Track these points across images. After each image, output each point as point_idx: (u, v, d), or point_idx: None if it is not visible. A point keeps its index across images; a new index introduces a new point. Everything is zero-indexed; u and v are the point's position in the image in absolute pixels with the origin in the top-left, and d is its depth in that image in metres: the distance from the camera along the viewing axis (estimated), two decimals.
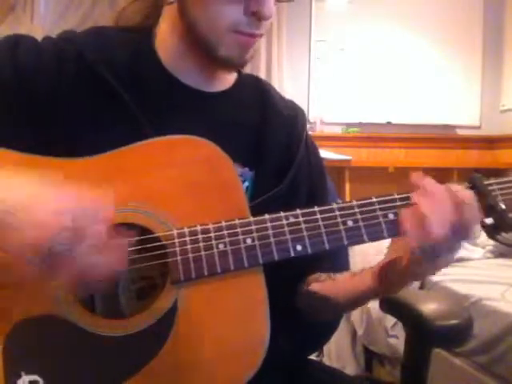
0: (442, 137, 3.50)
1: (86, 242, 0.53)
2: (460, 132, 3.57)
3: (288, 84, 3.38)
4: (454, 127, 3.55)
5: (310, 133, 0.90)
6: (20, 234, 0.51)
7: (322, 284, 0.80)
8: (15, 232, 0.51)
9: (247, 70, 0.90)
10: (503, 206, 0.65)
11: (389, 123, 3.48)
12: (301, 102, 0.92)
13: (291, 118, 0.85)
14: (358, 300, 0.76)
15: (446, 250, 0.61)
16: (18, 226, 0.51)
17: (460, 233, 0.60)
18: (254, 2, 0.69)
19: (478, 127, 3.57)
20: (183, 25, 0.74)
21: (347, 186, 3.19)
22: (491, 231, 0.66)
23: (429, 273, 0.65)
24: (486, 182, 0.67)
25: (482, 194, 0.66)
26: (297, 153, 0.82)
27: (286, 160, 0.81)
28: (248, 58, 0.75)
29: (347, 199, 0.67)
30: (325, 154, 2.81)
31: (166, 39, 0.78)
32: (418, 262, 0.62)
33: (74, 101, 0.72)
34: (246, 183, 0.78)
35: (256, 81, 0.88)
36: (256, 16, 0.70)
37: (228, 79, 0.83)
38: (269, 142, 0.81)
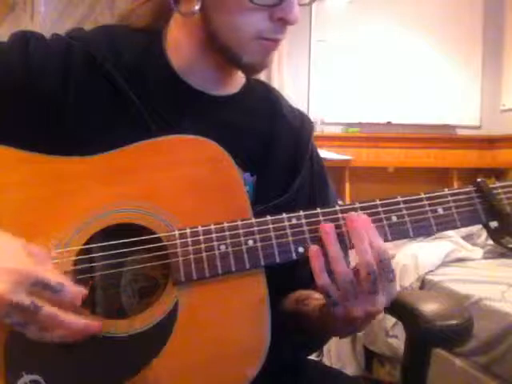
0: (442, 137, 3.50)
1: (37, 322, 0.54)
2: (460, 132, 3.56)
3: (288, 84, 3.37)
4: (454, 127, 3.55)
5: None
6: None
7: (296, 307, 0.80)
8: None
9: None
10: (508, 210, 0.65)
11: (389, 123, 3.48)
12: (301, 102, 0.93)
13: (298, 128, 0.85)
14: (331, 331, 0.75)
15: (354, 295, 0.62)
16: None
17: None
18: (279, 9, 0.69)
19: (478, 127, 3.57)
20: (204, 33, 0.73)
21: (347, 186, 3.19)
22: (495, 235, 0.66)
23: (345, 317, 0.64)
24: (492, 186, 0.67)
25: (487, 197, 0.66)
26: (302, 164, 0.82)
27: (290, 169, 0.81)
28: (270, 61, 0.75)
29: (347, 199, 0.68)
30: (325, 154, 2.81)
31: (178, 43, 0.78)
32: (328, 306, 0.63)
33: (81, 100, 0.72)
34: (247, 188, 0.78)
35: (266, 88, 0.88)
36: (282, 22, 0.70)
37: (236, 83, 0.83)
38: (275, 150, 0.81)
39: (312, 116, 3.41)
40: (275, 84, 3.09)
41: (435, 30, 3.48)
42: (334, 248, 0.62)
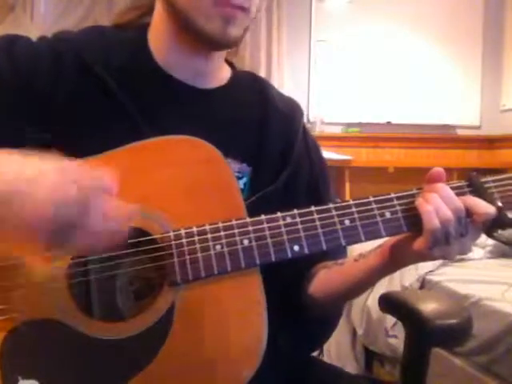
0: (442, 137, 3.50)
1: (91, 213, 0.53)
2: (460, 132, 3.57)
3: (288, 84, 3.38)
4: (454, 127, 3.55)
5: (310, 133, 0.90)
6: (23, 209, 0.51)
7: (329, 270, 0.81)
8: (18, 207, 0.51)
9: (247, 69, 0.90)
10: (499, 203, 0.66)
11: (389, 123, 3.48)
12: (301, 102, 0.92)
13: (289, 114, 0.85)
14: (364, 282, 0.77)
15: (454, 237, 0.64)
16: (21, 201, 0.51)
17: (465, 221, 0.65)
18: None
19: (478, 127, 3.57)
20: (167, 9, 0.74)
21: (347, 186, 3.19)
22: (488, 228, 0.66)
23: (440, 257, 0.67)
24: (483, 180, 0.68)
25: (478, 191, 0.67)
26: (292, 151, 0.82)
27: (283, 156, 0.82)
28: (233, 34, 0.72)
29: (347, 199, 0.68)
30: (325, 154, 2.80)
31: (157, 35, 0.78)
32: (432, 246, 0.65)
33: (72, 101, 0.72)
34: (245, 179, 0.77)
35: (253, 78, 0.88)
36: None
37: (222, 76, 0.83)
38: (267, 139, 0.81)
39: (312, 116, 3.45)
40: (275, 84, 3.08)
41: (435, 30, 3.48)
42: (446, 188, 0.65)
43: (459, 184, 0.68)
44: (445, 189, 0.65)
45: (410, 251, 0.67)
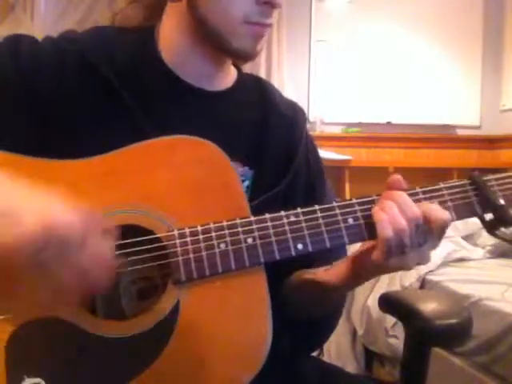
0: (442, 137, 3.50)
1: (72, 258, 0.50)
2: (460, 132, 3.56)
3: (288, 84, 3.38)
4: (454, 127, 3.55)
5: (310, 133, 0.90)
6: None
7: (300, 278, 0.80)
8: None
9: (247, 69, 0.90)
10: (502, 202, 0.66)
11: (389, 123, 3.48)
12: (301, 101, 0.92)
13: (291, 118, 0.85)
14: (332, 291, 0.75)
15: (410, 246, 0.63)
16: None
17: (422, 230, 0.63)
18: None
19: (478, 127, 3.57)
20: (192, 20, 0.74)
21: (347, 186, 3.19)
22: (491, 227, 0.67)
23: (398, 268, 0.65)
24: (485, 178, 0.68)
25: (481, 190, 0.67)
26: (296, 153, 0.83)
27: (285, 160, 0.82)
28: (259, 48, 0.75)
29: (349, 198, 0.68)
30: (325, 154, 2.81)
31: (169, 38, 0.78)
32: (386, 256, 0.63)
33: (76, 100, 0.72)
34: (247, 182, 0.78)
35: (257, 80, 0.88)
36: (268, 4, 0.71)
37: (229, 78, 0.83)
38: (269, 142, 0.81)
39: (312, 116, 3.44)
40: (275, 84, 3.08)
41: (435, 30, 3.48)
42: (403, 196, 0.64)
43: (462, 183, 0.68)
44: (402, 196, 0.64)
45: (368, 262, 0.66)
